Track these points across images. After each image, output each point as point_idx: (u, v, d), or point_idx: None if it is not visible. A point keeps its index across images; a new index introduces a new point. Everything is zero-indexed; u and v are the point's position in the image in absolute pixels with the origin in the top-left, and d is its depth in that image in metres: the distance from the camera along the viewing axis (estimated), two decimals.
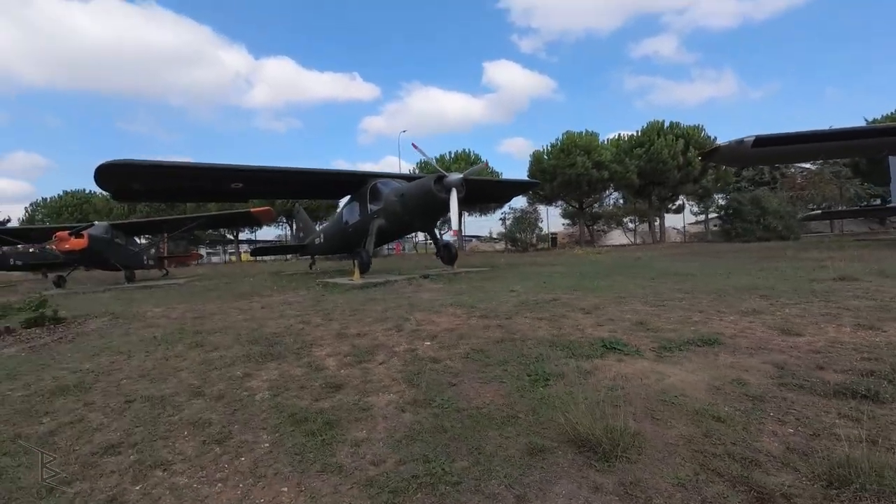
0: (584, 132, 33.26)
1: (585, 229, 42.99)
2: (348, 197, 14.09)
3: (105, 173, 9.79)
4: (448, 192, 9.98)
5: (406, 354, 3.96)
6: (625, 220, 49.31)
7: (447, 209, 10.34)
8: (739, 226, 28.05)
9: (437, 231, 15.30)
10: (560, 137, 33.47)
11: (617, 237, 49.28)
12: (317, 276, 14.35)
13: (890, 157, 18.72)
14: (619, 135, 36.03)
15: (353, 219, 13.18)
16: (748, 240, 26.53)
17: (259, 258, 37.14)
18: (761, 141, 12.19)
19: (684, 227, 44.30)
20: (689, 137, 32.49)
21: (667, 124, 33.66)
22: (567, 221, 53.68)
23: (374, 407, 2.90)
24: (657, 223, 39.34)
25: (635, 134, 34.60)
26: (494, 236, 42.47)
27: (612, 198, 43.86)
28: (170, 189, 12.89)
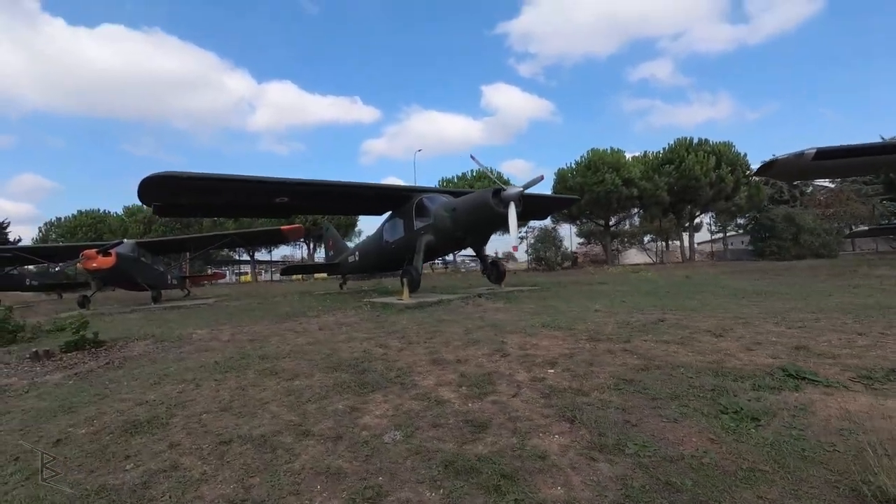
0: (609, 149, 32.70)
1: (606, 248, 42.19)
2: (388, 214, 13.58)
3: (150, 186, 9.36)
4: (506, 206, 9.47)
5: (535, 384, 3.35)
6: (645, 238, 48.51)
7: (503, 223, 9.83)
8: (774, 243, 27.21)
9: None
10: (585, 154, 32.96)
11: (633, 256, 48.41)
12: (353, 295, 13.78)
13: None
14: (646, 152, 35.39)
15: (396, 236, 12.62)
16: (782, 257, 25.67)
17: (280, 278, 36.67)
18: (823, 153, 11.55)
19: (711, 243, 43.44)
20: (720, 154, 31.80)
21: (695, 141, 32.93)
22: (582, 240, 52.98)
23: (550, 454, 2.30)
24: (685, 241, 38.51)
25: (661, 151, 34.01)
26: (500, 255, 41.50)
27: (636, 216, 43.12)
28: (213, 204, 12.46)
